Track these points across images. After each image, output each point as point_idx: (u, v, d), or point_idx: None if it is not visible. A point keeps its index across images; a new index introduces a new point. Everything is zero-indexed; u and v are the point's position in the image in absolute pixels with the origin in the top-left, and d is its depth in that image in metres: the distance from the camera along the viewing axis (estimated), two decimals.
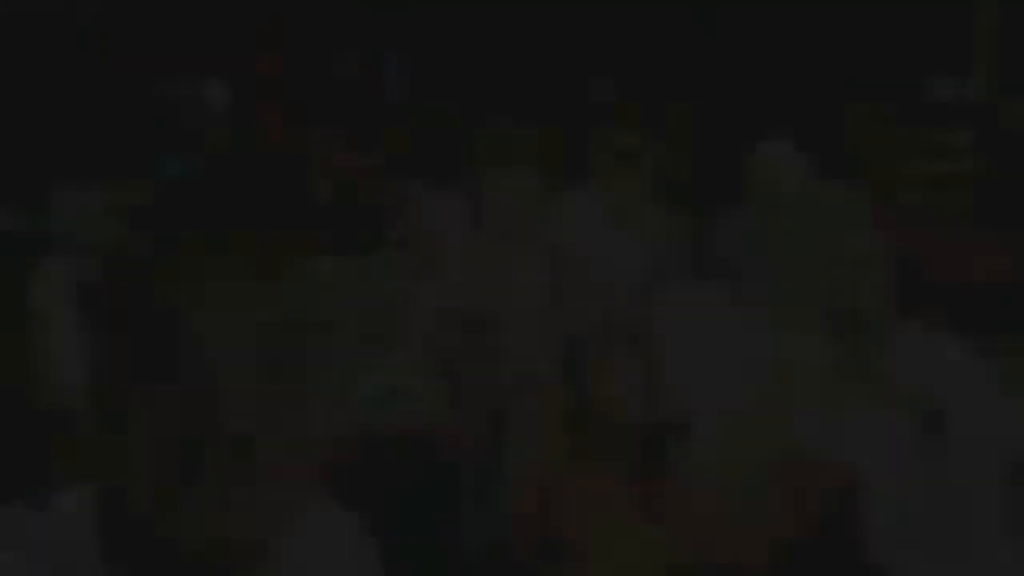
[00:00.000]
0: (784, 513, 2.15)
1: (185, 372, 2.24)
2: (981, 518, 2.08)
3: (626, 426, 2.45)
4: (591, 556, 1.99)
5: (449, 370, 1.86)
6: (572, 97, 8.51)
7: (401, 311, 2.67)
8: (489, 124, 7.09)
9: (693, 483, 2.27)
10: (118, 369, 2.97)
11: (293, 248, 2.98)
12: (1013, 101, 6.21)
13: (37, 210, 4.56)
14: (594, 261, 3.54)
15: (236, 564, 1.33)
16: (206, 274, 2.85)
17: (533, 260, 3.22)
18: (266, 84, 6.67)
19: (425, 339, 2.46)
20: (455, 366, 1.84)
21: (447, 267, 3.01)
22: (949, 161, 5.17)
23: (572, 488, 2.20)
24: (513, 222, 3.26)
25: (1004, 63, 6.09)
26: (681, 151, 7.17)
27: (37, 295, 4.22)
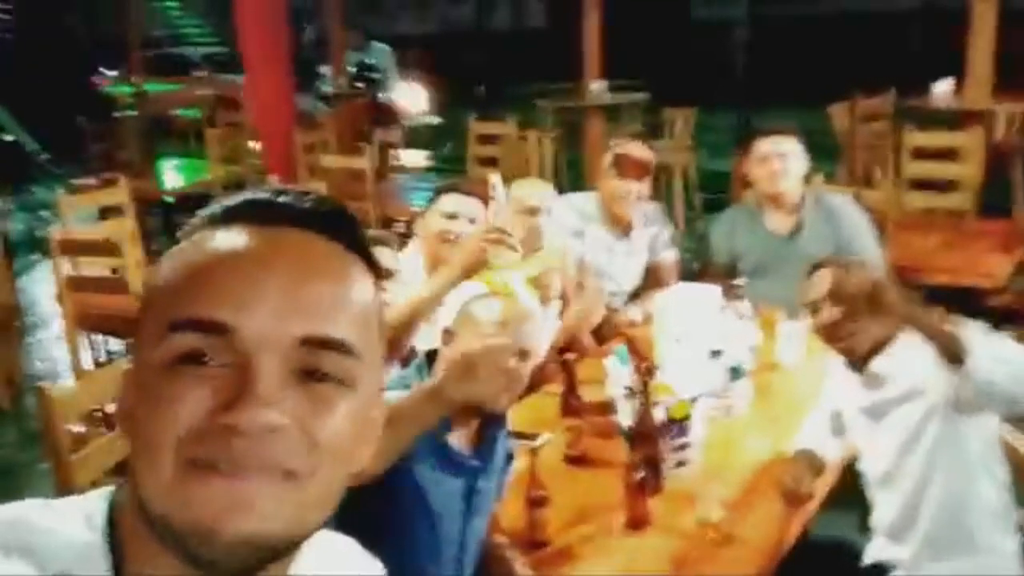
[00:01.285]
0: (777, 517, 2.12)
1: None
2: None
3: (621, 429, 2.41)
4: (581, 564, 1.96)
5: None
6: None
7: None
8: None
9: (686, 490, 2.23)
10: None
11: None
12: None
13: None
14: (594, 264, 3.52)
15: None
16: None
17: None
18: None
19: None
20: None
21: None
22: (950, 164, 5.17)
23: (564, 495, 2.16)
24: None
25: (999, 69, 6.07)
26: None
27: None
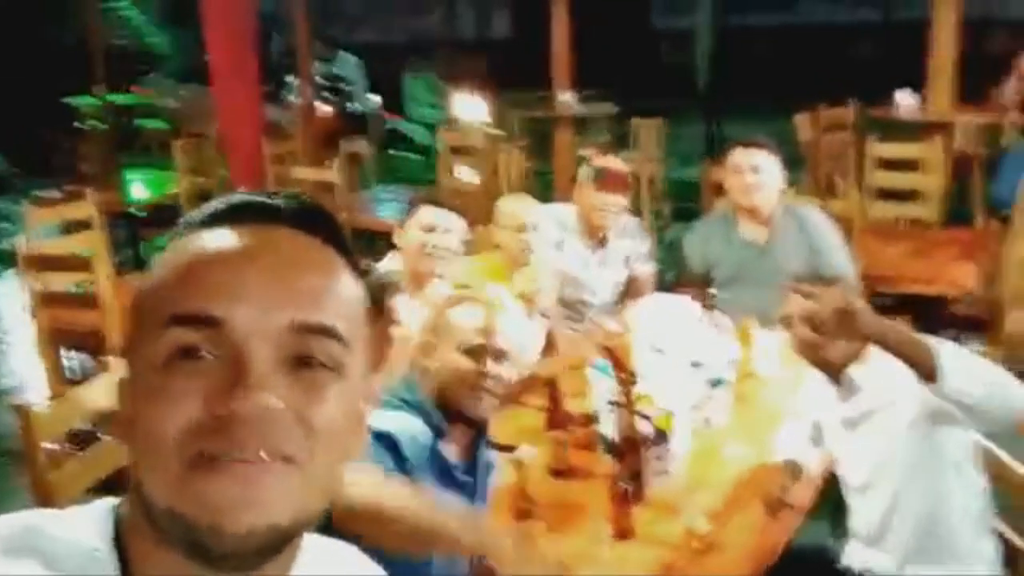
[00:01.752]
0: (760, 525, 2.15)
1: None
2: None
3: (603, 440, 2.43)
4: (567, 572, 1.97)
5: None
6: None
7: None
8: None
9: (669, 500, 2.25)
10: None
11: None
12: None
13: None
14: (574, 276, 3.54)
15: None
16: None
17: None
18: None
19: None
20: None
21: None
22: (915, 174, 5.26)
23: (550, 506, 2.18)
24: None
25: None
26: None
27: None
